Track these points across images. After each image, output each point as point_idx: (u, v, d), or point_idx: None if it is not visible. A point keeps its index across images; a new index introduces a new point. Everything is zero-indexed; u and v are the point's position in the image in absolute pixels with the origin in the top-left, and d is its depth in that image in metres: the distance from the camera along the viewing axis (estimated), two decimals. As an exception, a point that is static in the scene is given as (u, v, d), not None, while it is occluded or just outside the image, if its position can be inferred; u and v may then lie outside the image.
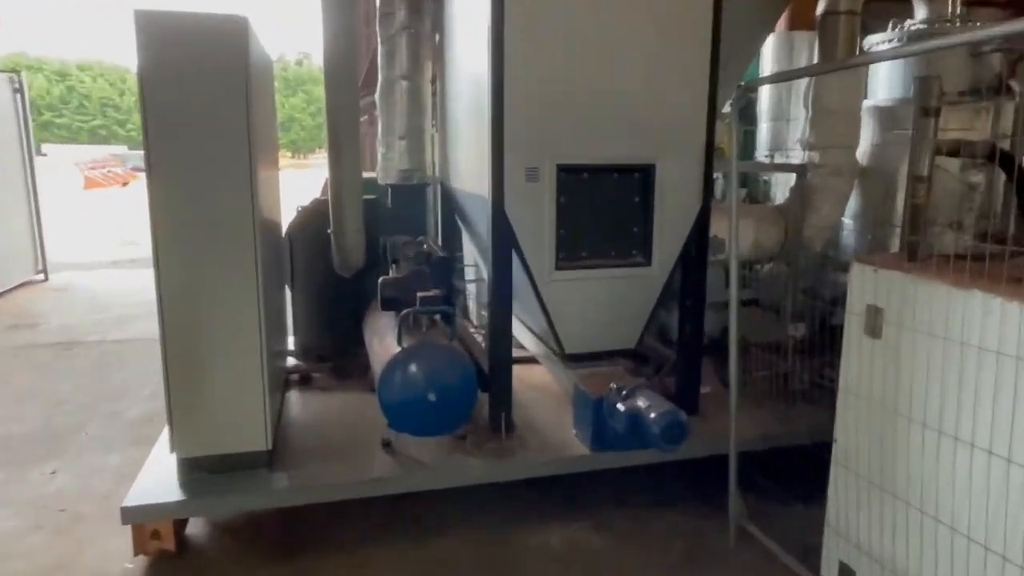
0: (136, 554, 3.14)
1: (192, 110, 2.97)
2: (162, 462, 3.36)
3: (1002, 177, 3.82)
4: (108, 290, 9.00)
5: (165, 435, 3.32)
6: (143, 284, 9.00)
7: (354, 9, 4.49)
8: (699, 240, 3.77)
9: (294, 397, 4.28)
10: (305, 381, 4.52)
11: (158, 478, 3.26)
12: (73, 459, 4.23)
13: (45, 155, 28.45)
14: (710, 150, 3.70)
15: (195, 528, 3.44)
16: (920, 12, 4.68)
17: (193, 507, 3.20)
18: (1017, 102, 4.21)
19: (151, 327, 3.14)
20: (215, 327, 3.14)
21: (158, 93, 2.93)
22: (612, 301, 3.73)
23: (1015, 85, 4.21)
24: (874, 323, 2.39)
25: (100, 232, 14.71)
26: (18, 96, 8.96)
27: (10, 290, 8.71)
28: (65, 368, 5.91)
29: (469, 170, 4.08)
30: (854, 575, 2.58)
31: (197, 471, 3.25)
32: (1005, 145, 4.15)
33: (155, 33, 2.88)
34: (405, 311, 3.51)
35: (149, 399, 5.13)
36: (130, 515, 3.06)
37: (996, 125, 4.19)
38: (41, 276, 9.43)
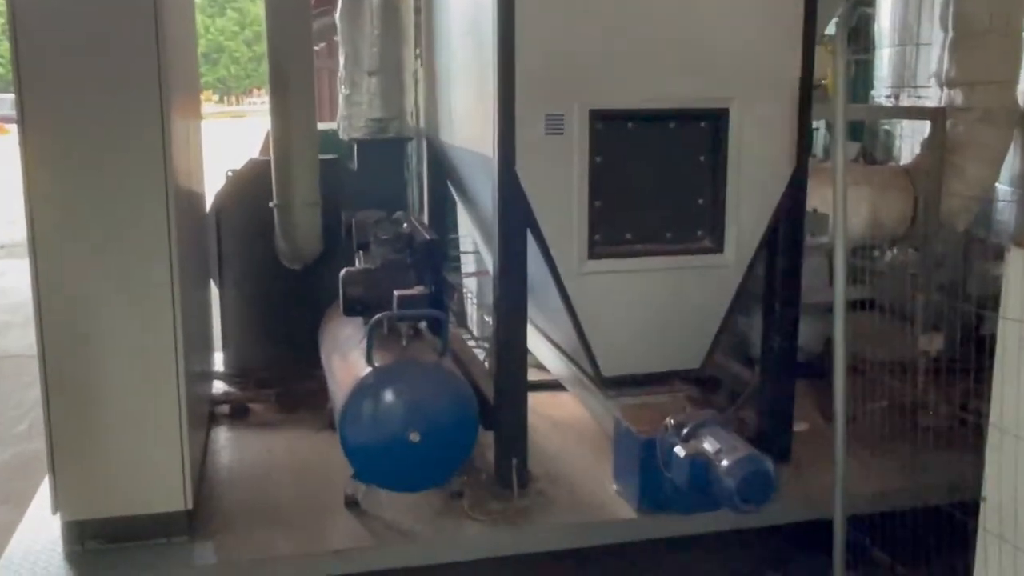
0: (7, 654, 3.18)
1: (81, 37, 2.98)
2: (41, 526, 3.40)
3: None
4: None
5: (45, 489, 3.35)
6: (21, 280, 9.10)
7: None
8: (791, 217, 3.78)
9: (223, 436, 4.32)
10: (239, 414, 4.56)
11: (36, 547, 3.29)
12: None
13: None
14: (807, 88, 3.72)
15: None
16: None
17: (83, 590, 3.24)
18: None
19: (26, 339, 3.17)
20: (113, 340, 3.16)
21: (35, 14, 2.95)
22: (668, 303, 3.75)
23: None
24: (1040, 334, 2.39)
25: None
26: None
27: None
28: (-92, 397, 6.00)
29: (467, 119, 4.11)
30: None
31: (89, 539, 3.28)
32: None
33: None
34: (377, 316, 3.53)
35: (25, 438, 5.20)
36: (-2, 600, 3.11)
37: None
38: None
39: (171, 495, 3.29)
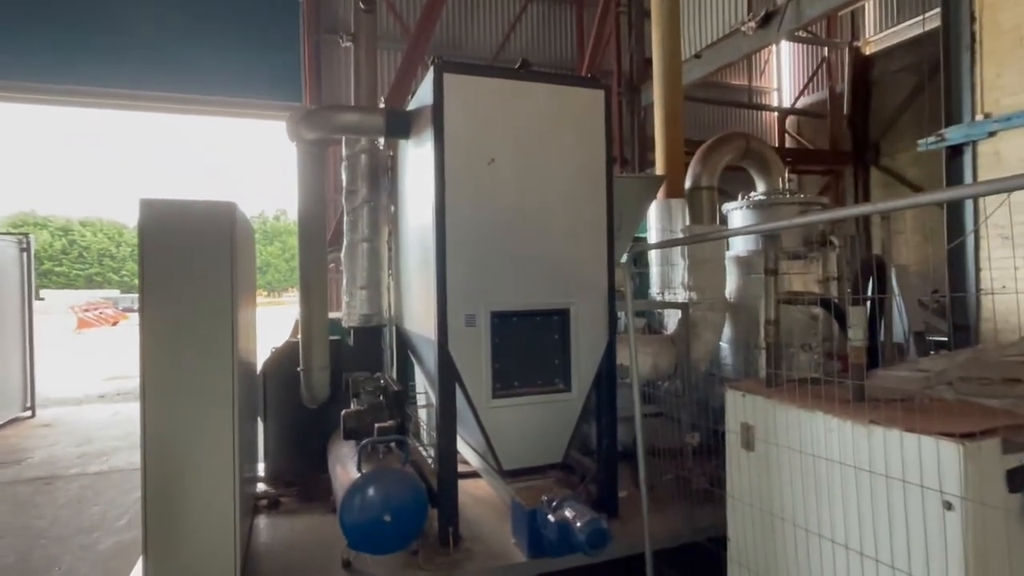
0: None
1: (183, 261, 2.97)
2: (134, 596, 3.06)
3: (834, 310, 4.16)
4: (93, 423, 8.37)
5: (138, 567, 3.03)
6: (126, 416, 8.44)
7: (324, 178, 4.71)
8: (608, 367, 3.84)
9: (263, 522, 4.00)
10: (273, 505, 4.25)
11: (129, 612, 2.94)
12: (45, 596, 3.78)
13: (43, 299, 27.11)
14: (612, 293, 3.88)
15: (162, 660, 3.07)
16: (760, 186, 5.23)
17: (162, 640, 2.88)
18: (837, 252, 4.68)
19: (130, 458, 2.96)
20: (194, 458, 2.98)
21: (155, 261, 2.94)
22: (541, 422, 3.73)
23: (834, 240, 4.70)
24: (747, 438, 2.50)
25: (89, 368, 13.85)
26: (24, 255, 8.71)
27: (-2, 428, 8.01)
28: (44, 503, 5.37)
29: (419, 315, 4.14)
30: (757, 661, 2.51)
31: (168, 602, 2.96)
32: (832, 286, 4.56)
33: (156, 216, 2.95)
34: (364, 440, 3.42)
35: (124, 530, 4.68)
36: (98, 653, 2.73)
37: (825, 270, 4.62)
38: (28, 413, 8.72)
39: (225, 568, 3.03)
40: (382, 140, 4.88)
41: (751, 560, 2.49)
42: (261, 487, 4.51)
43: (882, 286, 4.34)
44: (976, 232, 5.13)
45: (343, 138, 4.88)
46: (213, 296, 3.02)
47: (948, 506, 1.74)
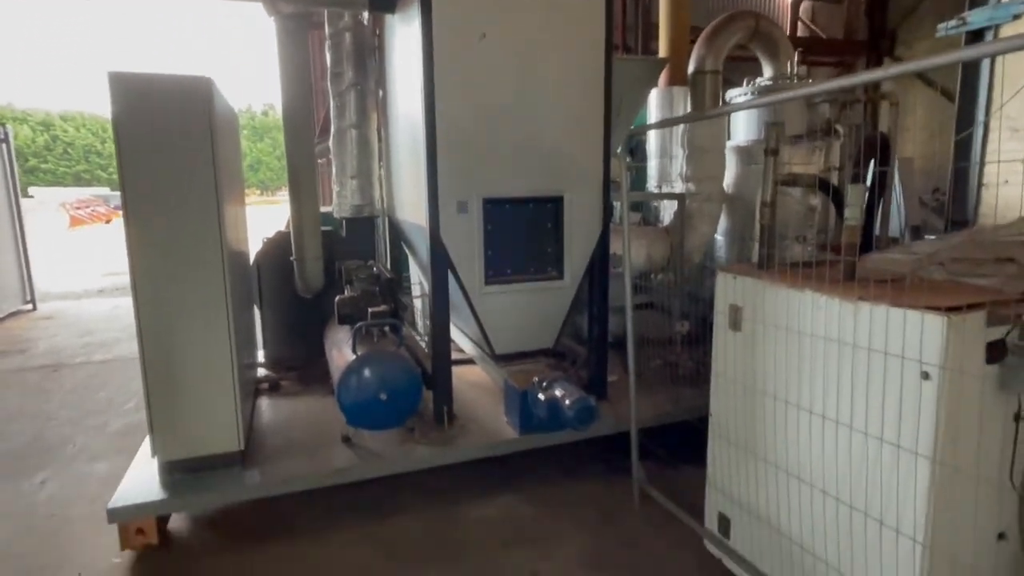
0: (123, 549, 2.98)
1: (163, 158, 2.86)
2: (144, 466, 3.22)
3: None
4: (94, 316, 8.50)
5: (147, 443, 3.17)
6: (126, 310, 8.55)
7: (309, 67, 4.45)
8: (601, 257, 3.85)
9: (264, 403, 4.15)
10: (274, 388, 4.39)
11: (141, 480, 3.10)
12: (61, 469, 3.97)
13: (32, 197, 26.60)
14: (607, 183, 3.81)
15: (176, 523, 3.29)
16: (767, 71, 4.98)
17: (173, 504, 3.05)
18: (842, 142, 4.53)
19: (132, 348, 3.01)
20: (190, 344, 3.02)
21: (132, 144, 2.82)
22: (533, 309, 3.79)
23: (840, 128, 4.53)
24: (735, 319, 2.53)
25: (86, 264, 13.86)
26: (3, 146, 8.41)
27: (0, 320, 8.13)
28: (53, 388, 5.54)
29: (410, 204, 4.08)
30: (729, 522, 2.70)
31: (176, 472, 3.12)
32: (833, 176, 4.46)
33: (128, 92, 2.78)
34: (358, 324, 3.47)
35: (132, 412, 4.87)
36: (116, 515, 2.91)
37: (827, 159, 4.49)
38: (29, 306, 8.82)
39: (229, 440, 3.17)
40: (366, 15, 4.55)
41: (731, 432, 2.61)
42: (262, 372, 4.64)
43: (885, 164, 4.23)
44: (986, 124, 4.95)
45: (325, 15, 4.55)
46: (194, 177, 2.91)
47: (925, 376, 1.78)
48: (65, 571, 2.93)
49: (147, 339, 2.95)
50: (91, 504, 3.49)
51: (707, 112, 4.41)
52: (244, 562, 2.97)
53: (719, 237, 4.99)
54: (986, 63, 4.95)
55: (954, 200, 5.22)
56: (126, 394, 5.27)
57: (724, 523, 2.72)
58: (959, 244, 2.28)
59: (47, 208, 22.07)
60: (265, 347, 4.87)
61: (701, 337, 4.08)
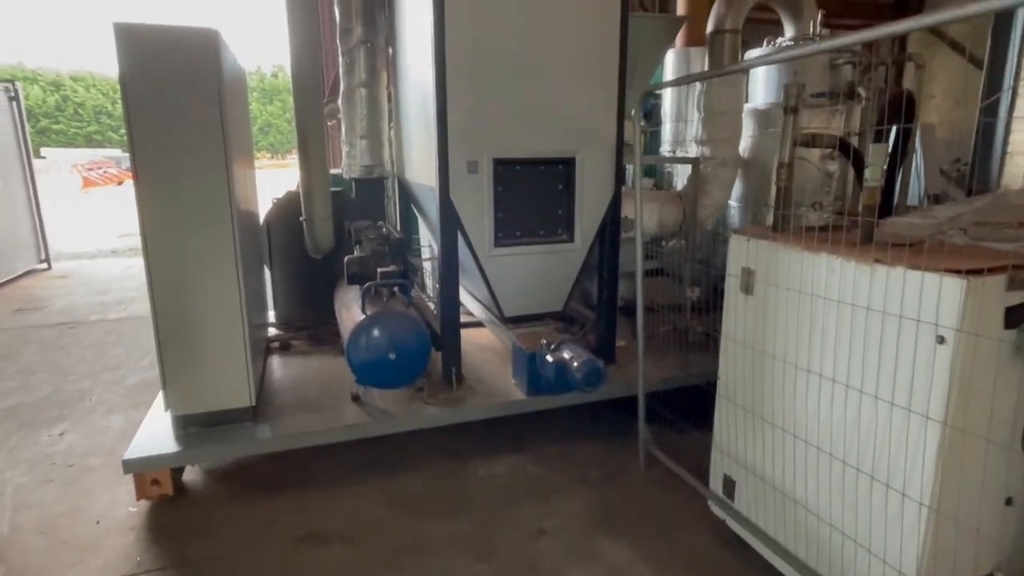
0: (139, 499, 3.06)
1: (171, 112, 2.83)
2: (159, 420, 3.28)
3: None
4: (108, 276, 8.59)
5: (161, 397, 3.22)
6: (140, 270, 8.62)
7: (318, 25, 4.35)
8: (613, 220, 3.81)
9: (275, 361, 4.19)
10: (285, 347, 4.43)
11: (156, 433, 3.17)
12: (79, 421, 4.06)
13: (44, 158, 26.69)
14: (620, 145, 3.73)
15: (190, 475, 3.37)
16: (788, 31, 4.81)
17: (187, 456, 3.12)
18: (864, 105, 4.40)
19: (147, 307, 3.02)
20: (201, 300, 3.04)
21: (139, 98, 2.78)
22: (542, 272, 3.76)
23: (862, 91, 4.39)
24: (748, 282, 2.49)
25: (99, 225, 13.95)
26: (14, 104, 8.38)
27: (15, 278, 8.22)
28: (70, 344, 5.64)
29: (420, 164, 4.03)
30: (735, 484, 2.71)
31: (190, 426, 3.18)
32: (854, 140, 4.35)
33: (134, 43, 2.74)
34: (367, 284, 3.47)
35: (147, 368, 4.95)
36: (132, 466, 2.97)
37: (848, 123, 4.37)
38: (44, 265, 8.92)
39: (241, 396, 3.21)
40: (377, -31, 4.42)
41: (739, 396, 2.60)
42: (274, 332, 4.68)
43: (909, 121, 4.10)
44: (1014, 89, 4.78)
45: (335, -32, 4.42)
46: (202, 129, 2.88)
47: (941, 340, 1.75)
48: (83, 519, 3.02)
49: (158, 295, 2.97)
50: (108, 455, 3.58)
51: (725, 68, 4.27)
52: (256, 513, 3.04)
53: (733, 203, 4.89)
54: (1018, 28, 4.75)
55: (975, 170, 5.09)
56: (141, 351, 5.35)
57: (729, 485, 2.74)
58: (981, 207, 2.22)
59: (59, 169, 22.14)
60: (276, 307, 4.90)
61: (711, 304, 4.04)
